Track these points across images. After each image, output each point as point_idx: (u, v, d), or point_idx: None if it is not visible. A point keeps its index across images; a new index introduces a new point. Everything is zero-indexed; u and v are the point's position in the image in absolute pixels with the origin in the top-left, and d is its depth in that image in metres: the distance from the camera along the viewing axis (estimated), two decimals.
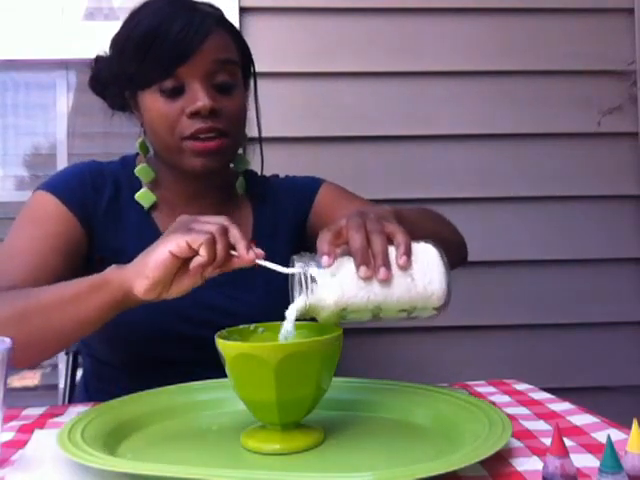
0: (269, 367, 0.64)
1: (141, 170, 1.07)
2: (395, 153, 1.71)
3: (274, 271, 0.72)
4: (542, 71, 1.74)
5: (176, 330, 1.00)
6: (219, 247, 0.72)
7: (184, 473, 0.56)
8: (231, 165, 1.12)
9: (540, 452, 0.63)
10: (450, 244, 1.00)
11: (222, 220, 0.75)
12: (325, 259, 0.68)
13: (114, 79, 1.03)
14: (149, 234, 1.04)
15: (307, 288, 0.68)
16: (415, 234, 0.72)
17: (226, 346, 0.67)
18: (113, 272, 0.79)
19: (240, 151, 1.12)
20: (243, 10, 1.65)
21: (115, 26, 1.03)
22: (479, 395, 0.86)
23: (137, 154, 1.11)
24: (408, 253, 0.69)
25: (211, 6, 1.04)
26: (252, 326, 0.76)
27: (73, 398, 1.29)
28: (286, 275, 0.72)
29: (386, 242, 0.69)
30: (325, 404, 0.73)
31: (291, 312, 0.69)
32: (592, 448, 0.65)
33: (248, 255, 0.73)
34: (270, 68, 1.63)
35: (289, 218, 1.14)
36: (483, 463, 0.59)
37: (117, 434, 0.71)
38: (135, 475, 0.57)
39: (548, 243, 1.73)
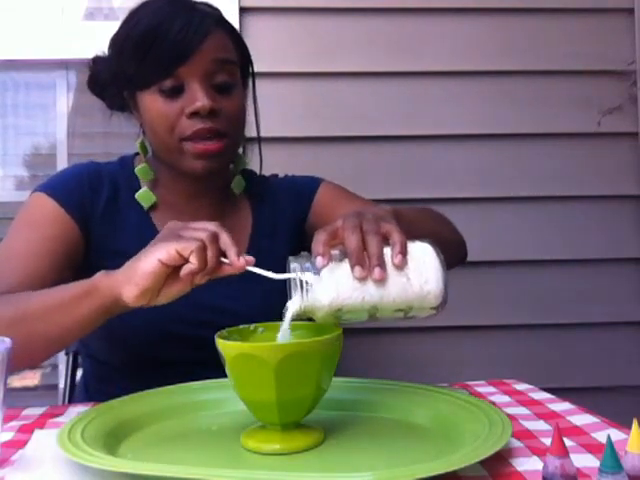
0: (269, 367, 0.64)
1: (141, 170, 1.07)
2: (395, 153, 1.71)
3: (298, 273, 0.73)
4: (542, 71, 1.74)
5: (176, 330, 1.00)
6: (209, 254, 0.72)
7: (184, 473, 0.56)
8: (231, 165, 1.12)
9: (540, 452, 0.64)
10: (449, 243, 1.00)
11: (213, 226, 0.75)
12: (320, 260, 0.68)
13: (113, 79, 1.03)
14: (148, 234, 1.04)
15: (302, 289, 0.68)
16: (413, 233, 0.72)
17: (226, 346, 0.67)
18: (102, 278, 0.78)
19: (239, 151, 1.13)
20: (243, 10, 1.65)
21: (115, 26, 1.03)
22: (479, 395, 0.86)
23: (136, 154, 1.11)
24: (403, 252, 0.68)
25: (210, 6, 1.04)
26: (252, 326, 0.76)
27: (73, 398, 1.29)
28: (285, 267, 0.72)
29: (382, 242, 0.69)
30: (325, 404, 0.73)
31: (288, 313, 0.69)
32: (592, 448, 0.65)
33: (239, 262, 0.73)
34: (270, 68, 1.63)
35: (288, 217, 1.14)
36: (483, 463, 0.59)
37: (117, 434, 0.71)
38: (135, 475, 0.57)
39: (548, 243, 1.73)
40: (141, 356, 1.00)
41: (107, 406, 0.77)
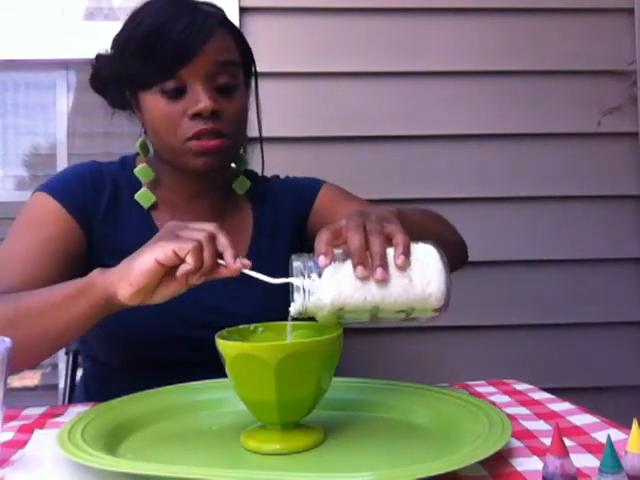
0: (269, 367, 0.64)
1: (141, 170, 1.07)
2: (395, 153, 1.71)
3: (273, 274, 0.73)
4: (542, 71, 1.74)
5: (176, 332, 1.00)
6: (206, 255, 0.72)
7: (184, 473, 0.56)
8: (233, 165, 1.12)
9: (540, 452, 0.64)
10: (451, 245, 1.00)
11: (210, 227, 0.75)
12: (322, 259, 0.68)
13: (115, 78, 1.03)
14: (149, 234, 1.04)
15: (304, 289, 0.68)
16: (416, 235, 0.72)
17: (226, 346, 0.67)
18: (98, 276, 0.79)
19: (240, 151, 1.13)
20: (243, 10, 1.65)
21: (115, 26, 1.03)
22: (479, 395, 0.86)
23: (136, 154, 1.11)
24: (406, 253, 0.68)
25: (213, 6, 1.04)
26: (252, 326, 0.76)
27: (73, 398, 1.29)
28: (286, 268, 0.72)
29: (384, 243, 0.69)
30: (325, 404, 0.73)
31: (291, 313, 0.69)
32: (592, 448, 0.65)
33: (235, 264, 0.73)
34: (270, 68, 1.63)
35: (289, 218, 1.14)
36: (483, 463, 0.59)
37: (117, 434, 0.71)
38: (135, 475, 0.57)
39: (548, 243, 1.73)
40: (141, 357, 1.00)
41: (107, 406, 0.77)
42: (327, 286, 0.67)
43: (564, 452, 0.54)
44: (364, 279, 0.67)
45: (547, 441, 0.65)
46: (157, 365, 0.99)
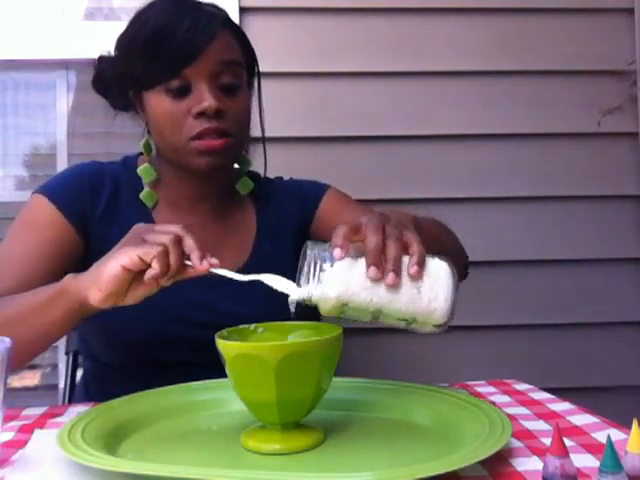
0: (269, 367, 0.64)
1: (143, 170, 1.07)
2: (395, 153, 1.71)
3: (269, 274, 0.73)
4: (542, 71, 1.74)
5: (175, 332, 1.00)
6: (172, 258, 0.72)
7: (184, 473, 0.56)
8: (236, 166, 1.12)
9: (540, 452, 0.64)
10: (457, 261, 1.01)
11: (176, 229, 0.75)
12: (337, 252, 0.68)
13: (119, 79, 1.03)
14: None
15: (314, 276, 0.68)
16: (430, 247, 0.72)
17: (226, 346, 0.67)
18: (71, 281, 0.79)
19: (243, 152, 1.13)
20: (243, 10, 1.65)
21: (115, 26, 1.03)
22: (479, 395, 0.86)
23: (139, 154, 1.11)
24: (420, 264, 0.68)
25: (215, 7, 1.04)
26: (252, 326, 0.76)
27: (73, 398, 1.29)
28: (289, 270, 0.72)
29: (401, 249, 0.69)
30: (325, 404, 0.73)
31: (292, 296, 0.69)
32: (592, 448, 0.65)
33: (201, 265, 0.73)
34: (270, 68, 1.62)
35: (293, 221, 1.14)
36: (483, 463, 0.59)
37: (117, 434, 0.71)
38: (135, 475, 0.57)
39: (548, 243, 1.73)
40: (141, 357, 1.00)
41: (107, 406, 0.77)
42: (337, 279, 0.67)
43: (564, 452, 0.54)
44: (375, 280, 0.67)
45: (547, 441, 0.65)
46: (157, 365, 0.99)
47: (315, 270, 0.68)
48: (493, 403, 0.79)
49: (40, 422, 0.79)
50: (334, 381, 0.72)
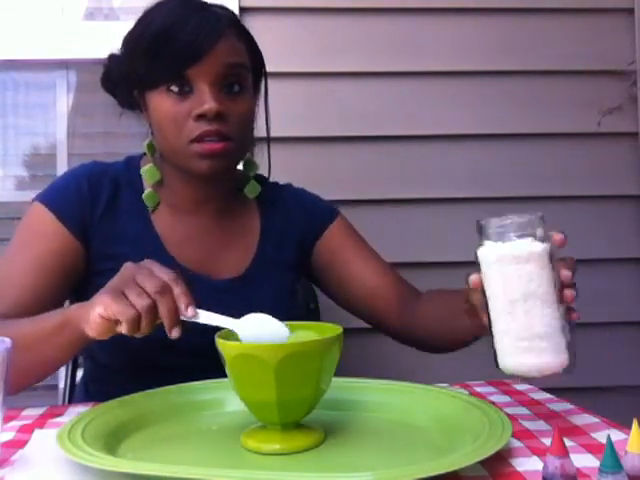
0: (269, 367, 0.64)
1: (147, 171, 1.06)
2: (395, 153, 1.71)
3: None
4: (542, 71, 1.74)
5: (180, 337, 1.00)
6: (143, 324, 0.74)
7: (184, 473, 0.56)
8: (240, 168, 1.12)
9: (540, 452, 0.64)
10: None
11: (165, 279, 0.75)
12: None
13: (124, 78, 1.03)
14: (148, 237, 1.04)
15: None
16: None
17: (226, 346, 0.67)
18: (73, 312, 0.82)
19: (248, 155, 1.12)
20: (243, 10, 1.65)
21: (115, 26, 1.03)
22: (479, 395, 0.86)
23: (143, 155, 1.10)
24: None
25: (223, 8, 1.03)
26: None
27: (73, 398, 1.29)
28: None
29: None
30: (325, 404, 0.73)
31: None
32: (592, 448, 0.65)
33: (187, 312, 0.75)
34: (270, 68, 1.61)
35: (298, 233, 1.13)
36: (483, 463, 0.59)
37: (117, 434, 0.71)
38: (135, 475, 0.57)
39: None
40: (140, 361, 1.00)
41: (107, 406, 0.77)
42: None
43: (564, 452, 0.54)
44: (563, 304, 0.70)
45: (547, 441, 0.65)
46: (157, 368, 0.99)
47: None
48: (493, 403, 0.79)
49: (40, 422, 0.79)
50: (334, 381, 0.72)
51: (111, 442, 0.68)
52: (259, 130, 1.11)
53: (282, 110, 1.65)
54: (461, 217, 1.71)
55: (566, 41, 1.74)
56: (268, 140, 1.13)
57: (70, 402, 1.28)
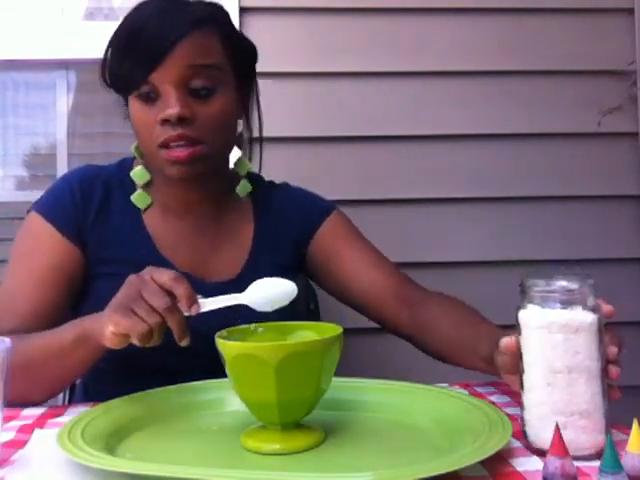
0: (269, 367, 0.64)
1: (137, 172, 1.06)
2: (396, 153, 1.71)
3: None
4: (542, 71, 1.74)
5: (165, 338, 0.99)
6: (154, 337, 0.77)
7: (184, 473, 0.56)
8: (232, 167, 1.11)
9: (540, 452, 0.63)
10: None
11: (167, 281, 0.77)
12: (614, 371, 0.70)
13: (109, 81, 1.02)
14: (140, 238, 1.04)
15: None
16: None
17: (226, 346, 0.67)
18: (89, 326, 0.83)
19: (240, 154, 1.12)
20: (243, 10, 1.65)
21: (115, 26, 1.02)
22: (479, 395, 0.86)
23: (135, 157, 1.10)
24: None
25: (206, 5, 1.01)
26: (252, 326, 0.76)
27: (73, 398, 1.29)
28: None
29: None
30: (325, 404, 0.73)
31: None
32: None
33: (191, 310, 0.77)
34: (270, 68, 1.62)
35: (292, 232, 1.12)
36: (483, 463, 0.59)
37: (117, 434, 0.71)
38: (135, 475, 0.57)
39: (548, 243, 1.73)
40: (141, 363, 0.99)
41: (107, 406, 0.77)
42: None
43: (564, 452, 0.54)
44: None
45: None
46: (156, 372, 0.98)
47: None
48: (493, 403, 0.79)
49: (40, 422, 0.79)
50: (334, 381, 0.72)
51: (111, 442, 0.68)
52: (256, 129, 1.11)
53: (282, 110, 1.66)
54: (462, 217, 1.71)
55: (566, 41, 1.74)
56: (261, 140, 1.13)
57: (70, 402, 1.28)
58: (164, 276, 0.77)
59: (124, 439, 0.71)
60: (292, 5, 1.68)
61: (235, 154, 1.12)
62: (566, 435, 0.58)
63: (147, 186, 1.06)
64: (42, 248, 1.00)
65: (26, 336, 0.90)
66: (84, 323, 0.85)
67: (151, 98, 0.96)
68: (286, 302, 0.79)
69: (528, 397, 0.66)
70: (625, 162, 1.75)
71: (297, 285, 0.80)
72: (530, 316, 0.66)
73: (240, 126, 1.10)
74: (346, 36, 1.70)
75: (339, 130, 1.69)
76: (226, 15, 1.04)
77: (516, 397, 0.85)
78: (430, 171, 1.71)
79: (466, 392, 0.83)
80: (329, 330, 0.71)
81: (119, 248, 1.02)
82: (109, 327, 0.77)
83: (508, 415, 0.69)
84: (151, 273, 0.79)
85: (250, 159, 1.15)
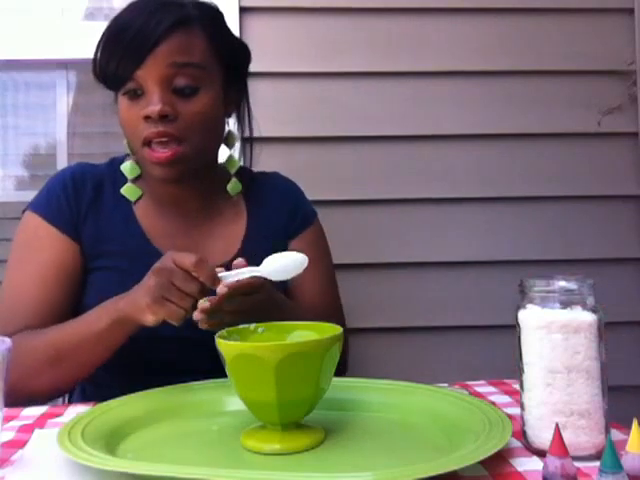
0: (269, 367, 0.64)
1: (126, 167, 1.07)
2: (395, 153, 1.70)
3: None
4: (542, 71, 1.74)
5: (161, 333, 0.99)
6: (188, 314, 0.83)
7: (184, 473, 0.56)
8: (223, 164, 1.12)
9: (540, 452, 0.63)
10: None
11: (192, 264, 0.80)
12: None
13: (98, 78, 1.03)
14: (132, 231, 1.04)
15: None
16: None
17: (226, 346, 0.67)
18: (128, 307, 0.85)
19: (231, 151, 1.12)
20: (243, 10, 1.65)
21: None
22: (479, 395, 0.86)
23: (126, 155, 1.11)
24: None
25: (197, 4, 1.01)
26: (252, 326, 0.76)
27: (73, 398, 1.29)
28: None
29: None
30: (325, 404, 0.73)
31: None
32: None
33: (220, 290, 0.82)
34: (270, 68, 1.63)
35: (280, 229, 1.13)
36: (483, 463, 0.59)
37: (117, 434, 0.71)
38: (135, 475, 0.57)
39: (548, 243, 1.73)
40: (140, 361, 1.00)
41: (107, 406, 0.77)
42: None
43: (564, 452, 0.54)
44: None
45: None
46: (157, 368, 0.99)
47: None
48: (493, 403, 0.79)
49: (40, 422, 0.79)
50: (334, 381, 0.72)
51: (111, 442, 0.68)
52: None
53: (281, 110, 1.66)
54: (461, 217, 1.71)
55: (566, 41, 1.74)
56: (251, 140, 1.13)
57: (70, 402, 1.28)
58: (186, 262, 0.80)
59: (124, 439, 0.71)
60: (292, 5, 1.68)
61: (225, 152, 1.13)
62: (566, 435, 0.58)
63: (137, 180, 1.07)
64: (41, 246, 1.01)
65: (44, 331, 0.93)
66: (118, 307, 0.86)
67: (137, 95, 0.98)
68: (300, 270, 0.82)
69: (528, 397, 0.66)
70: (625, 162, 1.75)
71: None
72: (530, 316, 0.66)
73: (229, 125, 1.11)
74: (346, 36, 1.70)
75: (338, 130, 1.69)
76: (216, 15, 1.05)
77: (516, 397, 0.85)
78: (430, 171, 1.71)
79: (466, 392, 0.83)
80: (329, 330, 0.71)
81: (112, 241, 1.03)
82: (149, 317, 0.82)
83: (508, 415, 0.69)
84: (173, 258, 0.81)
85: (250, 158, 1.16)
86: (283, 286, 1.08)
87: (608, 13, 1.75)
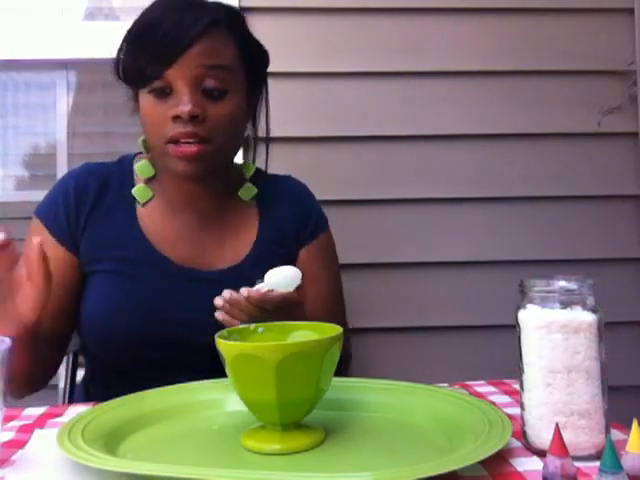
0: (269, 367, 0.64)
1: (141, 166, 1.07)
2: (395, 153, 1.71)
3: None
4: (542, 71, 1.74)
5: (174, 334, 1.00)
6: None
7: (184, 473, 0.56)
8: (238, 166, 1.12)
9: (540, 452, 0.63)
10: None
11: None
12: None
13: (122, 75, 1.03)
14: (134, 233, 1.04)
15: None
16: None
17: (226, 346, 0.67)
18: None
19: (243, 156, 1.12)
20: (243, 10, 1.64)
21: (115, 26, 1.03)
22: (479, 395, 0.86)
23: (137, 153, 1.11)
24: None
25: (221, 6, 1.02)
26: (252, 326, 0.76)
27: (73, 398, 1.29)
28: None
29: None
30: (325, 404, 0.73)
31: None
32: None
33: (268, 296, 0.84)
34: (270, 68, 1.62)
35: (291, 236, 1.12)
36: (483, 463, 0.59)
37: (117, 434, 0.71)
38: (135, 475, 0.57)
39: (548, 243, 1.73)
40: (141, 361, 1.00)
41: (107, 406, 0.77)
42: None
43: (564, 452, 0.54)
44: None
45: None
46: (158, 370, 0.99)
47: None
48: (493, 403, 0.79)
49: (40, 422, 0.79)
50: (334, 381, 0.72)
51: (111, 442, 0.68)
52: (262, 130, 1.11)
53: (282, 110, 1.65)
54: (461, 217, 1.71)
55: (566, 41, 1.74)
56: (267, 140, 1.13)
57: (70, 402, 1.28)
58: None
59: (124, 439, 0.71)
60: (292, 5, 1.68)
61: (239, 156, 1.13)
62: (566, 435, 0.58)
63: (149, 181, 1.07)
64: None
65: None
66: None
67: (164, 93, 0.98)
68: (298, 282, 0.84)
69: (528, 397, 0.66)
70: (625, 162, 1.75)
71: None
72: (530, 316, 0.66)
73: (247, 129, 1.11)
74: (346, 36, 1.70)
75: (339, 130, 1.69)
76: (242, 18, 1.06)
77: (516, 397, 0.85)
78: (430, 171, 1.71)
79: (466, 392, 0.83)
80: (329, 330, 0.71)
81: (113, 246, 1.03)
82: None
83: (508, 415, 0.69)
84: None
85: (266, 160, 1.16)
86: None
87: (608, 13, 1.75)
